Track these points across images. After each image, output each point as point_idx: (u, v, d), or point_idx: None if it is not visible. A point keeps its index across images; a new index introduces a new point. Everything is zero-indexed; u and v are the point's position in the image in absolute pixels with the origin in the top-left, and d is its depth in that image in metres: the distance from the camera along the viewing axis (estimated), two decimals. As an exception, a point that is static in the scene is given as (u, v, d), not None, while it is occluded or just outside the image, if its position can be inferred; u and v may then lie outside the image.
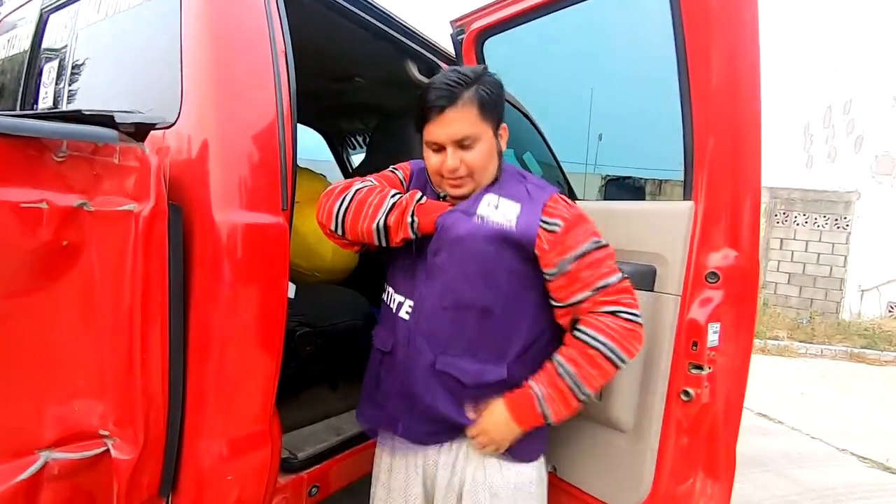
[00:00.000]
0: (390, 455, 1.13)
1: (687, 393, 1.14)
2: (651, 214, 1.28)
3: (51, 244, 0.82)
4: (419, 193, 1.05)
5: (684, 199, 1.18)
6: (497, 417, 0.99)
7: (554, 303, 1.02)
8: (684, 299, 1.16)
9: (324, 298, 1.80)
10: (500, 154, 1.06)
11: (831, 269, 7.54)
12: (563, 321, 1.03)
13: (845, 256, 7.49)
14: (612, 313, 0.97)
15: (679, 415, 1.16)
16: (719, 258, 1.15)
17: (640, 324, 0.99)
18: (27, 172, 0.78)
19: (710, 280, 1.15)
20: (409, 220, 1.00)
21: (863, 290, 7.56)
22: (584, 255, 0.98)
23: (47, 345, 0.85)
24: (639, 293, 1.21)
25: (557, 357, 0.99)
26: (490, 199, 1.01)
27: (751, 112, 1.12)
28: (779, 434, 3.67)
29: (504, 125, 1.05)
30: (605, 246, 1.01)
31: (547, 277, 1.00)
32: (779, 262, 7.70)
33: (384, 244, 1.04)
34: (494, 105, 1.00)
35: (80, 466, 0.89)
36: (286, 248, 1.09)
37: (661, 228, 1.21)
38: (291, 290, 1.44)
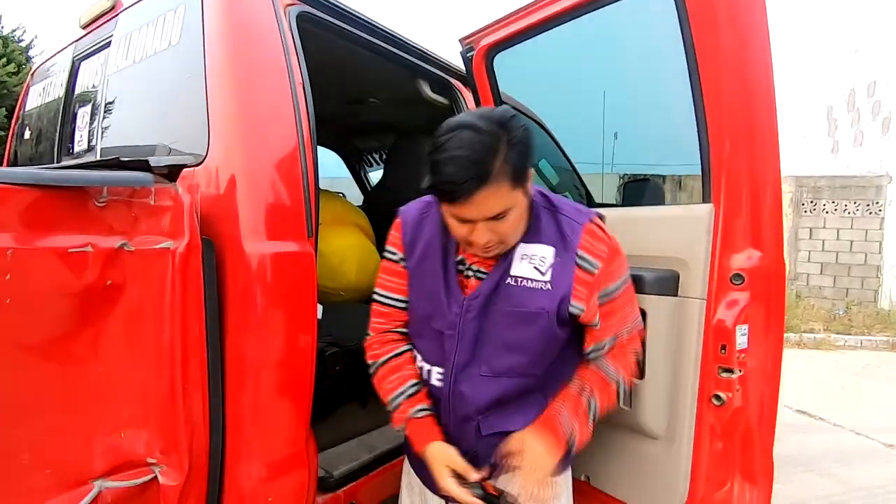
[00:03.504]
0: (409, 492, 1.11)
1: (718, 397, 1.13)
2: (671, 219, 1.27)
3: (96, 284, 0.87)
4: (416, 407, 0.98)
5: (703, 202, 1.18)
6: (537, 449, 0.89)
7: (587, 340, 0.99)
8: (710, 303, 1.15)
9: (349, 317, 1.83)
10: (530, 204, 0.93)
11: (866, 257, 7.28)
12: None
13: (880, 242, 7.23)
14: (634, 353, 1.03)
15: (712, 419, 1.15)
16: (743, 259, 1.14)
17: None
18: (73, 219, 0.84)
19: (735, 282, 1.14)
20: (401, 430, 1.00)
21: (901, 277, 7.27)
22: (621, 292, 0.97)
23: (96, 380, 0.90)
24: (663, 298, 1.22)
25: (583, 386, 0.97)
26: (521, 250, 0.93)
27: (766, 112, 1.12)
28: (821, 431, 3.56)
29: (531, 170, 0.89)
30: (629, 279, 1.01)
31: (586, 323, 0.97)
32: (809, 252, 7.48)
33: None
34: (525, 165, 0.85)
35: (130, 494, 0.93)
36: (314, 274, 1.13)
37: (682, 233, 1.21)
38: (319, 310, 1.48)
